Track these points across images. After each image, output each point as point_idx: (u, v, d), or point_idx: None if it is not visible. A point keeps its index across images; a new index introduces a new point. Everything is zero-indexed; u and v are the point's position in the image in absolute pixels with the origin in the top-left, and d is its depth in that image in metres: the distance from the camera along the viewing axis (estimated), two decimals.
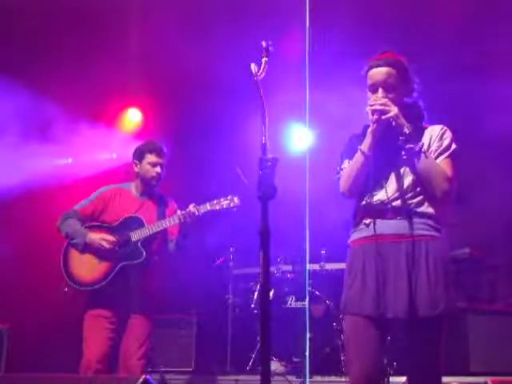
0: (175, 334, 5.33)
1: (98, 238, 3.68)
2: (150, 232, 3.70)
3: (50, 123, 5.85)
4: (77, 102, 5.89)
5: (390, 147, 2.56)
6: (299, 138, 6.22)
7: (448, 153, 2.58)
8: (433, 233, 2.54)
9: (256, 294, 5.33)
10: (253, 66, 2.20)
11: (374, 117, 2.51)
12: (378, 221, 2.55)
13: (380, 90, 2.59)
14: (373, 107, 2.53)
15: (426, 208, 2.55)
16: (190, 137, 6.40)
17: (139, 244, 3.70)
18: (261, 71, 2.20)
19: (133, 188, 3.92)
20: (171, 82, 6.01)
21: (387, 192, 2.55)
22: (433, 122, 2.71)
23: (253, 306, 5.30)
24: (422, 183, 2.54)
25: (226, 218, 4.47)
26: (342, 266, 4.89)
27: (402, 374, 4.05)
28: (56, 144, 6.17)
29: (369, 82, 2.64)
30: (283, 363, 4.87)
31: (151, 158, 3.83)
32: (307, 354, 4.61)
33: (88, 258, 3.70)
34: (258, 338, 4.80)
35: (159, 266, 3.85)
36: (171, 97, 6.25)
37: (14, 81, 5.24)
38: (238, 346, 5.30)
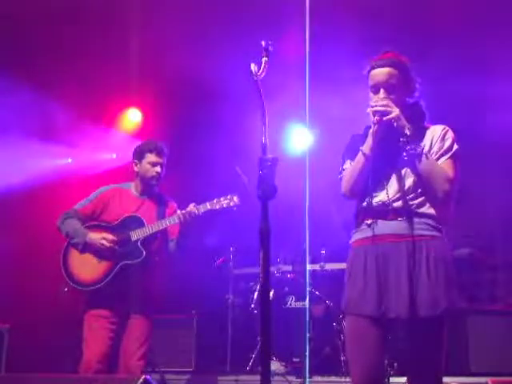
0: (175, 334, 5.33)
1: (98, 237, 3.68)
2: (150, 231, 3.70)
3: (50, 123, 5.85)
4: (77, 101, 5.90)
5: (391, 148, 2.56)
6: (299, 138, 6.22)
7: (450, 154, 2.58)
8: (434, 233, 2.54)
9: (256, 294, 5.32)
10: (253, 66, 2.19)
11: (376, 118, 2.51)
12: (380, 221, 2.56)
13: (381, 90, 2.59)
14: (374, 108, 2.52)
15: (427, 208, 2.55)
16: (189, 137, 6.40)
17: (139, 243, 3.70)
18: (261, 71, 2.20)
19: (132, 188, 3.92)
20: (171, 82, 6.01)
21: (388, 193, 2.55)
22: (434, 122, 2.70)
23: (253, 306, 5.30)
24: (424, 184, 2.54)
25: (226, 217, 4.48)
26: (342, 266, 4.92)
27: (402, 375, 4.05)
28: (56, 144, 6.17)
29: (370, 82, 2.63)
30: (283, 363, 4.87)
31: (151, 157, 3.83)
32: (307, 354, 4.61)
33: (88, 258, 3.69)
34: (258, 338, 4.80)
35: (159, 266, 3.85)
36: (171, 97, 6.25)
37: (14, 80, 5.24)
38: (238, 346, 5.30)
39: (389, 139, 2.55)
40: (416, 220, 2.53)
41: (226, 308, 5.49)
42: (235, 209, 3.77)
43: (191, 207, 3.68)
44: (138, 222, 3.73)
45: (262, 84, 2.17)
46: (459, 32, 5.12)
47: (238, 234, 5.56)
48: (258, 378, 1.95)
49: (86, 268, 3.67)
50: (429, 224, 2.54)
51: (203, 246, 5.59)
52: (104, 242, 3.66)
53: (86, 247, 3.70)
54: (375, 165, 2.56)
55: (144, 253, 3.68)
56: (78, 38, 5.44)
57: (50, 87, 5.61)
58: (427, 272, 2.46)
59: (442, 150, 2.58)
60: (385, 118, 2.49)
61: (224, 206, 3.74)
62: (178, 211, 3.74)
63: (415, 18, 5.15)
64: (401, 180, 2.56)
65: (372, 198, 2.58)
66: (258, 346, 4.90)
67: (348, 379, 2.56)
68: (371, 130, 2.56)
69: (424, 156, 2.50)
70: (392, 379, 4.08)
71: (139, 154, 3.87)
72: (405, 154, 2.52)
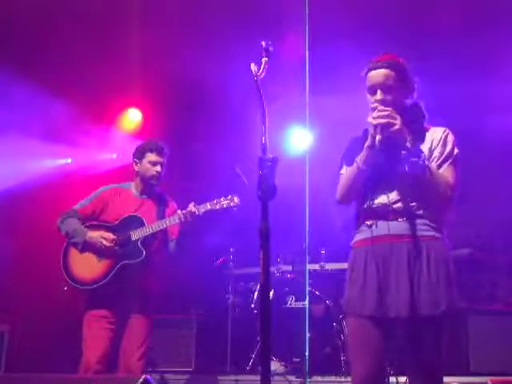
0: (175, 334, 5.33)
1: (97, 236, 3.68)
2: (150, 231, 3.70)
3: (51, 123, 5.85)
4: (77, 101, 5.90)
5: (392, 152, 2.54)
6: (299, 138, 6.23)
7: (451, 160, 2.58)
8: (434, 233, 2.55)
9: (256, 294, 5.32)
10: (253, 66, 2.19)
11: (377, 132, 2.45)
12: (380, 222, 2.56)
13: (378, 91, 2.59)
14: (377, 121, 2.47)
15: (428, 210, 2.56)
16: (189, 137, 6.40)
17: (139, 243, 3.70)
18: (261, 71, 2.20)
19: (132, 187, 3.92)
20: (171, 82, 6.01)
21: (388, 196, 2.56)
22: (435, 122, 2.70)
23: (253, 306, 5.29)
24: (425, 192, 2.53)
25: (227, 217, 4.47)
26: (342, 266, 4.93)
27: (402, 374, 4.05)
28: (56, 144, 6.17)
29: (368, 83, 2.64)
30: (283, 363, 4.87)
31: (151, 156, 3.83)
32: (307, 354, 4.61)
33: (88, 257, 3.69)
34: (258, 338, 4.80)
35: (159, 266, 3.85)
36: (171, 97, 6.25)
37: (14, 80, 5.25)
38: (238, 346, 5.30)
39: (389, 146, 2.53)
40: (416, 221, 2.53)
41: (226, 308, 5.49)
42: (235, 209, 3.77)
43: (191, 207, 3.68)
44: (137, 222, 3.74)
45: (261, 84, 2.17)
46: (459, 32, 5.12)
47: (238, 234, 5.56)
48: (258, 378, 1.95)
49: (86, 267, 3.67)
50: (429, 225, 2.55)
51: (203, 246, 5.59)
52: (103, 240, 3.66)
53: (86, 246, 3.70)
54: (375, 168, 2.56)
55: (144, 252, 3.68)
56: (79, 39, 5.43)
57: (50, 87, 5.61)
58: (428, 272, 2.47)
59: (444, 156, 2.58)
60: (391, 129, 2.44)
61: (224, 206, 3.74)
62: (179, 211, 3.74)
63: (415, 18, 5.14)
64: (401, 183, 2.56)
65: (372, 200, 2.59)
66: (258, 346, 4.90)
67: (348, 379, 2.56)
68: (367, 144, 2.54)
69: (425, 166, 2.47)
70: (392, 379, 4.08)
71: (140, 154, 3.87)
72: (407, 167, 2.49)
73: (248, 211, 3.11)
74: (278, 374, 4.66)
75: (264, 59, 2.22)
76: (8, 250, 5.33)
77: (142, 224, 3.72)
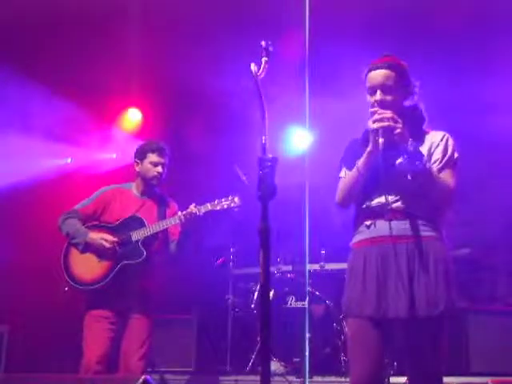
0: (175, 334, 5.32)
1: (98, 237, 3.68)
2: (151, 232, 3.70)
3: (50, 123, 5.85)
4: (77, 101, 5.90)
5: (391, 152, 2.54)
6: (299, 138, 6.23)
7: (451, 164, 2.59)
8: (433, 234, 2.55)
9: (256, 294, 5.32)
10: (253, 66, 2.19)
11: (380, 140, 2.43)
12: (379, 222, 2.56)
13: (378, 91, 2.59)
14: (379, 124, 2.46)
15: (426, 210, 2.56)
16: (190, 137, 6.40)
17: (140, 244, 3.70)
18: (261, 71, 2.20)
19: (133, 188, 3.92)
20: (171, 82, 6.01)
21: (387, 195, 2.56)
22: (435, 124, 2.71)
23: (253, 306, 5.29)
24: (425, 194, 2.53)
25: (227, 218, 4.48)
26: (342, 266, 4.92)
27: (402, 375, 4.05)
28: (57, 144, 6.17)
29: (368, 84, 2.64)
30: (283, 363, 4.87)
31: (153, 157, 3.83)
32: (307, 354, 4.61)
33: (88, 258, 3.69)
34: (258, 339, 4.80)
35: (160, 266, 3.85)
36: (171, 97, 6.25)
37: (15, 80, 5.25)
38: (238, 346, 5.30)
39: (389, 145, 2.53)
40: (415, 221, 2.54)
41: (226, 308, 5.49)
42: (236, 209, 3.77)
43: (192, 208, 3.68)
44: (138, 223, 3.74)
45: (262, 84, 2.17)
46: (460, 34, 5.12)
47: (238, 234, 5.56)
48: (258, 378, 1.95)
49: (87, 268, 3.67)
50: (428, 225, 2.55)
51: (203, 246, 5.59)
52: (104, 242, 3.66)
53: (87, 247, 3.70)
54: (374, 169, 2.56)
55: (144, 253, 3.68)
56: (79, 39, 5.44)
57: (50, 87, 5.61)
58: (427, 273, 2.47)
59: (444, 161, 2.58)
60: (395, 132, 2.43)
61: (225, 206, 3.74)
62: (179, 212, 3.74)
63: (415, 19, 5.14)
64: (400, 184, 2.56)
65: (371, 200, 2.59)
66: (258, 346, 4.90)
67: (348, 379, 2.56)
68: (368, 149, 2.54)
69: (425, 169, 2.47)
70: (392, 379, 4.08)
71: (141, 154, 3.87)
72: (407, 169, 2.49)
73: (248, 211, 3.11)
74: (277, 374, 4.66)
75: (264, 59, 2.22)
76: (8, 250, 5.33)
77: (142, 224, 3.72)
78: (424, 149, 2.59)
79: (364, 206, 2.62)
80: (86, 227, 3.76)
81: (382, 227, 2.55)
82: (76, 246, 3.72)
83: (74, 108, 5.89)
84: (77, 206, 3.84)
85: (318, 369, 4.61)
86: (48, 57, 5.58)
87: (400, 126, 2.46)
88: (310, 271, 5.31)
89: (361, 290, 2.52)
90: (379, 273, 2.51)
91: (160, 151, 3.84)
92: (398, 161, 2.55)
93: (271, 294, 4.94)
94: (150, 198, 3.89)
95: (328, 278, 5.41)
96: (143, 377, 2.90)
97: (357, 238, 2.65)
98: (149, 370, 4.04)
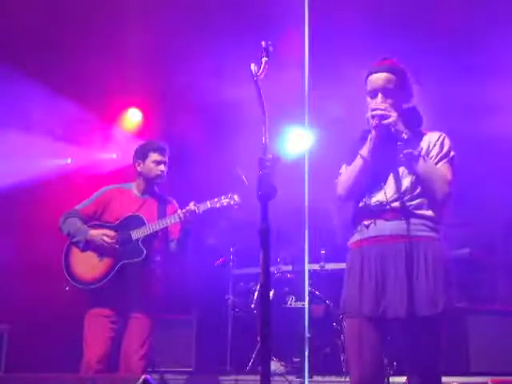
0: (175, 334, 5.33)
1: (98, 234, 3.69)
2: (151, 230, 3.70)
3: (51, 123, 5.86)
4: (77, 101, 5.90)
5: (389, 150, 2.57)
6: (299, 138, 6.22)
7: (447, 159, 2.61)
8: (431, 234, 2.56)
9: (256, 294, 5.33)
10: (253, 66, 2.20)
11: (375, 122, 2.53)
12: (378, 222, 2.57)
13: (379, 95, 2.62)
14: (373, 112, 2.54)
15: (425, 210, 2.57)
16: (190, 137, 6.40)
17: (140, 242, 3.70)
18: (261, 71, 2.20)
19: (134, 188, 3.92)
20: (171, 82, 6.01)
21: (386, 193, 2.57)
22: (434, 124, 2.72)
23: (253, 306, 5.30)
24: (422, 186, 2.55)
25: (227, 218, 4.48)
26: (342, 266, 4.91)
27: (402, 374, 4.05)
28: (56, 144, 6.17)
29: (368, 87, 2.66)
30: (283, 363, 4.87)
31: (155, 156, 3.84)
32: (307, 353, 4.62)
33: (89, 257, 3.70)
34: (258, 338, 4.80)
35: (160, 265, 3.85)
36: (171, 97, 6.25)
37: (15, 80, 5.25)
38: (238, 345, 5.30)
39: (387, 142, 2.56)
40: (414, 221, 2.54)
41: (226, 308, 5.50)
42: (236, 207, 3.77)
43: (191, 206, 3.68)
44: (138, 222, 3.74)
45: (262, 84, 2.18)
46: (457, 33, 5.13)
47: (238, 234, 5.56)
48: (258, 377, 1.95)
49: (87, 267, 3.68)
50: (427, 225, 2.56)
51: (203, 246, 5.59)
52: (105, 238, 3.67)
53: (87, 245, 3.70)
54: (373, 166, 2.58)
55: (145, 252, 3.68)
56: (79, 38, 5.44)
57: (50, 87, 5.61)
58: (425, 272, 2.47)
59: (441, 155, 2.61)
60: (383, 122, 2.52)
61: (224, 204, 3.74)
62: (179, 210, 3.74)
63: (415, 20, 5.15)
64: (398, 181, 2.58)
65: (370, 198, 2.60)
66: (258, 346, 4.91)
67: (348, 379, 2.57)
68: (370, 135, 2.58)
69: (421, 159, 2.52)
70: (392, 379, 4.08)
71: (142, 154, 3.88)
72: (402, 155, 2.53)
73: (248, 211, 3.11)
74: (277, 374, 4.67)
75: (264, 59, 2.22)
76: (9, 249, 5.34)
77: (142, 223, 3.73)
78: (423, 148, 2.60)
79: (362, 203, 2.62)
80: (87, 226, 3.76)
81: (380, 227, 2.56)
82: (77, 244, 3.72)
83: (74, 108, 5.90)
84: (77, 207, 3.85)
85: (317, 368, 4.61)
86: (48, 56, 5.58)
87: (394, 115, 2.52)
88: (309, 271, 5.31)
89: (359, 289, 2.53)
90: (378, 272, 2.51)
91: (161, 150, 3.87)
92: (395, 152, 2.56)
93: (271, 293, 4.94)
94: (150, 198, 3.90)
95: (328, 277, 5.42)
96: (143, 376, 2.91)
97: (355, 238, 2.66)
98: (149, 369, 4.04)
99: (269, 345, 1.95)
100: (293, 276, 5.42)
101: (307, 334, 4.65)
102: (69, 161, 6.58)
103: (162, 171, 3.85)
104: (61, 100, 5.74)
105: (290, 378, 4.56)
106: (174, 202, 3.97)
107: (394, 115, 2.52)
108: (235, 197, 3.76)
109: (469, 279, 5.32)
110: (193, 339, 5.35)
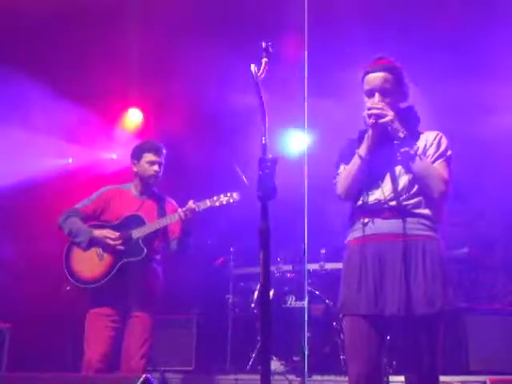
0: (175, 334, 5.34)
1: (102, 234, 3.70)
2: (151, 229, 3.71)
3: (51, 123, 5.86)
4: (77, 101, 5.91)
5: (386, 149, 2.59)
6: (298, 138, 6.24)
7: (444, 157, 2.63)
8: (429, 233, 2.57)
9: (256, 293, 5.34)
10: (253, 67, 2.20)
11: (371, 120, 2.54)
12: (375, 220, 2.58)
13: (376, 94, 2.63)
14: (370, 111, 2.56)
15: (423, 209, 2.58)
16: (190, 137, 6.40)
17: (140, 241, 3.71)
18: (261, 72, 2.21)
19: (132, 188, 3.93)
20: (171, 82, 6.02)
21: (384, 192, 2.58)
22: (433, 124, 2.73)
23: (253, 305, 5.31)
24: (419, 185, 2.56)
25: (226, 217, 4.49)
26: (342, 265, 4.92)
27: (401, 374, 4.06)
28: (57, 144, 6.18)
29: (365, 87, 2.67)
30: (283, 363, 4.88)
31: (149, 156, 3.84)
32: (306, 353, 4.63)
33: (89, 256, 3.71)
34: (258, 338, 4.81)
35: (160, 265, 3.86)
36: (171, 97, 6.26)
37: (16, 80, 5.26)
38: (238, 345, 5.31)
39: (383, 141, 2.57)
40: (412, 220, 2.55)
41: (226, 308, 5.50)
42: (235, 204, 3.77)
43: (191, 204, 3.68)
44: (138, 221, 3.75)
45: (262, 85, 2.18)
46: (456, 33, 5.14)
47: (238, 234, 5.57)
48: (258, 377, 1.96)
49: (88, 266, 3.68)
50: (424, 224, 2.57)
51: (203, 246, 5.60)
52: (107, 240, 3.67)
53: (90, 245, 3.71)
54: (370, 165, 2.59)
55: (145, 250, 3.69)
56: (79, 38, 5.45)
57: (50, 87, 5.62)
58: (423, 271, 2.48)
59: (437, 154, 2.62)
60: (380, 121, 2.53)
61: (224, 202, 3.74)
62: (179, 209, 3.75)
63: (415, 19, 5.16)
64: (395, 179, 2.59)
65: (368, 197, 2.60)
66: (258, 346, 4.92)
67: (347, 378, 2.58)
68: (368, 134, 2.59)
69: (418, 157, 2.54)
70: (391, 378, 4.10)
71: (137, 154, 3.88)
72: (398, 154, 2.55)
73: (248, 211, 3.12)
74: (277, 374, 4.68)
75: (264, 60, 2.23)
76: (9, 249, 5.35)
77: (142, 223, 3.73)
78: (420, 147, 2.61)
79: (360, 202, 2.64)
80: (88, 226, 3.77)
81: (378, 225, 2.57)
82: (79, 244, 3.73)
83: (75, 108, 5.90)
84: (77, 206, 3.85)
85: (317, 368, 4.63)
86: (49, 57, 5.59)
87: (391, 113, 2.53)
88: (309, 271, 5.32)
89: (357, 288, 2.54)
90: (376, 271, 2.52)
91: (156, 150, 3.86)
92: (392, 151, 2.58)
93: (271, 293, 4.95)
94: (149, 198, 3.90)
95: (328, 277, 5.43)
96: (144, 376, 2.92)
97: (352, 236, 2.66)
98: (149, 368, 4.06)
99: (269, 344, 1.96)
100: (293, 275, 5.43)
101: (307, 334, 4.67)
102: (70, 161, 6.59)
103: (155, 171, 3.84)
104: (62, 100, 5.75)
105: (290, 377, 4.57)
106: (173, 201, 3.97)
107: (390, 114, 2.54)
108: (234, 194, 3.76)
109: (467, 279, 5.34)
110: (193, 339, 5.36)
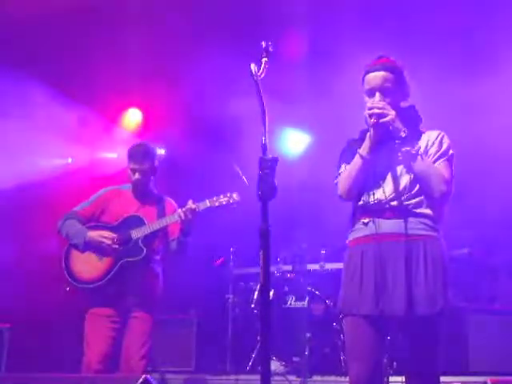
0: (175, 334, 5.33)
1: (97, 234, 3.69)
2: (151, 230, 3.70)
3: (51, 123, 5.86)
4: (77, 101, 5.91)
5: (387, 148, 2.58)
6: (298, 138, 6.25)
7: (446, 157, 2.62)
8: (430, 233, 2.56)
9: (256, 293, 5.33)
10: (253, 67, 2.20)
11: (372, 120, 2.53)
12: (377, 220, 2.57)
13: (377, 93, 2.61)
14: (371, 111, 2.54)
15: (424, 208, 2.57)
16: (190, 137, 6.40)
17: (140, 242, 3.70)
18: (261, 71, 2.21)
19: (131, 189, 3.92)
20: (171, 82, 6.02)
21: (385, 192, 2.57)
22: (433, 124, 2.72)
23: (253, 305, 5.30)
24: (420, 184, 2.56)
25: (226, 217, 4.48)
26: (342, 265, 4.93)
27: (401, 374, 4.06)
28: (57, 144, 6.18)
29: (366, 86, 2.66)
30: (283, 363, 4.88)
31: (131, 164, 3.78)
32: (307, 353, 4.63)
33: (89, 257, 3.70)
34: (258, 338, 4.81)
35: (160, 265, 3.86)
36: (171, 97, 6.26)
37: (16, 79, 5.26)
38: (238, 345, 5.31)
39: (385, 140, 2.56)
40: (413, 220, 2.55)
41: (226, 308, 5.50)
42: (235, 206, 3.76)
43: (190, 204, 3.66)
44: (138, 221, 3.74)
45: (261, 84, 2.18)
46: (455, 33, 5.14)
47: (238, 234, 5.56)
48: (258, 377, 1.96)
49: (87, 267, 3.68)
50: (426, 224, 2.56)
51: (203, 246, 5.59)
52: (103, 239, 3.66)
53: (86, 246, 3.70)
54: (372, 165, 2.58)
55: (145, 250, 3.69)
56: (79, 38, 5.45)
57: (50, 87, 5.62)
58: (425, 271, 2.48)
59: (439, 153, 2.61)
60: (381, 120, 2.52)
61: (224, 203, 3.73)
62: (179, 209, 3.74)
63: (415, 19, 5.16)
64: (397, 179, 2.58)
65: (369, 196, 2.60)
66: (258, 346, 4.91)
67: (348, 379, 2.58)
68: (369, 134, 2.58)
69: (419, 157, 2.53)
70: (392, 378, 4.09)
71: (127, 159, 3.86)
72: (400, 154, 2.54)
73: (248, 211, 3.12)
74: (277, 374, 4.67)
75: (264, 59, 2.23)
76: (9, 249, 5.34)
77: (142, 223, 3.73)
78: (421, 146, 2.61)
79: (361, 202, 2.63)
80: (86, 227, 3.77)
81: (380, 225, 2.56)
82: (76, 246, 3.72)
83: (75, 108, 5.90)
84: (76, 208, 3.85)
85: (317, 368, 4.62)
86: (49, 56, 5.59)
87: (392, 113, 2.52)
88: (309, 271, 5.32)
89: (358, 288, 2.53)
90: (377, 271, 2.51)
91: (135, 159, 3.76)
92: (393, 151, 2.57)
93: (271, 293, 4.95)
94: (148, 198, 3.89)
95: (328, 277, 5.42)
96: (144, 376, 2.92)
97: (353, 236, 2.66)
98: (149, 369, 4.05)
99: (269, 344, 1.96)
100: (293, 276, 5.43)
101: (307, 334, 4.66)
102: (69, 160, 6.59)
103: (136, 179, 3.78)
104: (62, 99, 5.75)
105: (290, 377, 4.56)
106: (173, 201, 3.96)
107: (391, 113, 2.53)
108: (234, 195, 3.75)
109: (468, 279, 5.33)
110: (193, 339, 5.36)
